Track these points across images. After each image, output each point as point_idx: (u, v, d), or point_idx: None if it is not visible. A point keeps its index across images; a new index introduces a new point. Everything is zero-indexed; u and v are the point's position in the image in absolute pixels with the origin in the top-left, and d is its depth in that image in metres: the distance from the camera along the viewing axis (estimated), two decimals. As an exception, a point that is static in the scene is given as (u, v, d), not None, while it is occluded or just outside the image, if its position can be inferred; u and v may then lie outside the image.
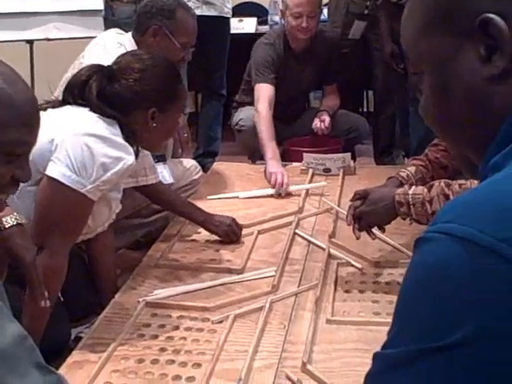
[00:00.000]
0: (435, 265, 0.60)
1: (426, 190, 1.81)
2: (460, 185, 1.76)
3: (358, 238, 1.98)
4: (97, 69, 1.83)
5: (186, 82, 3.24)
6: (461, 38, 0.65)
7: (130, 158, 1.71)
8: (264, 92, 3.09)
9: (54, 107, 1.81)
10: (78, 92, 1.81)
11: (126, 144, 1.73)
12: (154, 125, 1.82)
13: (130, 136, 1.77)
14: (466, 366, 0.56)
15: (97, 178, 1.65)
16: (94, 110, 1.77)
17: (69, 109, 1.80)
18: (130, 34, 2.40)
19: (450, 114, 0.69)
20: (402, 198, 1.82)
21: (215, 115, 3.74)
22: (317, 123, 3.16)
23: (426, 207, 1.77)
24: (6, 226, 1.45)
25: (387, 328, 1.88)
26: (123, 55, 1.93)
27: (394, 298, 2.01)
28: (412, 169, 2.08)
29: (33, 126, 1.11)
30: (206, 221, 2.24)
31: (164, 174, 2.43)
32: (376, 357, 0.65)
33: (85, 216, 1.73)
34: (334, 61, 3.34)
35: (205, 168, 3.02)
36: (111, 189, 1.78)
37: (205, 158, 3.68)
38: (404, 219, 1.87)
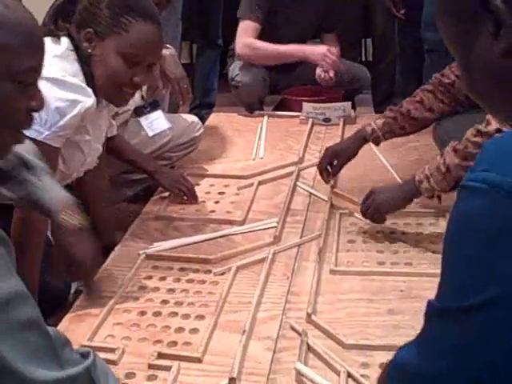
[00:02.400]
0: (473, 215, 0.61)
1: (438, 157, 1.80)
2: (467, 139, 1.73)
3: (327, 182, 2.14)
4: None
5: (180, 31, 3.15)
6: (472, 21, 0.69)
7: (87, 100, 1.62)
8: (250, 29, 3.05)
9: None
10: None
11: (83, 85, 1.64)
12: (89, 51, 1.68)
13: (86, 70, 1.69)
14: (502, 323, 0.60)
15: (53, 123, 1.58)
16: (55, 23, 1.69)
17: None
18: None
19: (482, 91, 0.74)
20: (420, 174, 1.80)
21: (211, 66, 3.66)
22: (320, 74, 3.08)
23: (440, 168, 1.74)
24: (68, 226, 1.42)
25: (392, 278, 1.86)
26: None
27: (398, 248, 2.01)
28: (380, 122, 2.06)
29: (42, 51, 1.06)
30: (156, 172, 2.19)
31: (162, 120, 2.37)
32: (427, 303, 0.76)
33: (51, 164, 1.63)
34: (333, 8, 3.24)
35: (202, 119, 2.95)
36: (76, 132, 1.71)
37: (201, 109, 3.61)
38: (431, 198, 1.81)
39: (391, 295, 1.63)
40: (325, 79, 3.05)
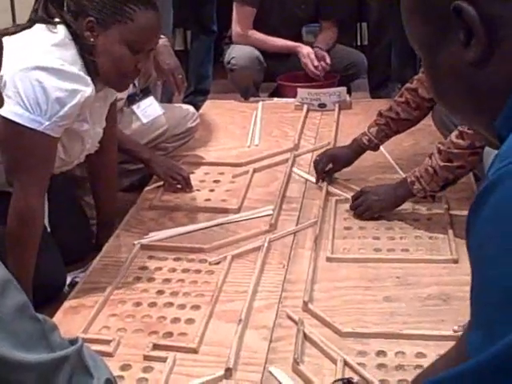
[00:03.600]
0: None
1: (427, 158, 1.83)
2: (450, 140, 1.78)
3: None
4: None
5: (171, 17, 3.12)
6: (443, 25, 0.67)
7: (86, 89, 1.61)
8: (246, 15, 3.12)
9: (11, 33, 1.69)
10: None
11: (82, 74, 1.62)
12: (92, 39, 1.66)
13: (85, 58, 1.66)
14: None
15: (53, 113, 1.56)
16: (49, 12, 1.66)
17: (21, 36, 1.67)
18: None
19: (447, 96, 0.71)
20: (412, 176, 1.83)
21: (206, 52, 3.62)
22: (317, 65, 3.06)
23: (428, 170, 1.79)
24: None
25: (388, 264, 1.85)
26: None
27: (395, 234, 1.99)
28: (374, 130, 2.09)
29: None
30: (151, 160, 2.18)
31: (155, 106, 2.35)
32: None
33: (49, 154, 1.64)
34: None
35: (196, 106, 2.93)
36: (75, 121, 1.69)
37: (196, 96, 3.59)
38: (425, 198, 1.85)
39: (388, 282, 1.62)
40: (321, 66, 3.04)
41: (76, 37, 1.66)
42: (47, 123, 1.57)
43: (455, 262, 1.66)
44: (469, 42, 0.64)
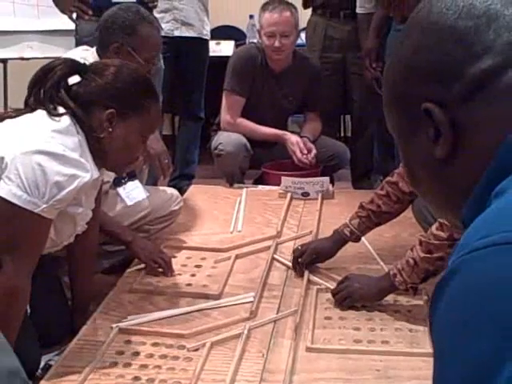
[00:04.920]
0: (497, 281, 0.53)
1: (408, 250, 1.85)
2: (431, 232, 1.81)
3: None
4: (66, 60, 1.77)
5: (161, 104, 3.19)
6: (414, 122, 0.69)
7: (85, 175, 1.64)
8: (235, 104, 3.23)
9: (12, 116, 1.73)
10: (41, 80, 1.72)
11: (82, 160, 1.66)
12: (110, 129, 1.71)
13: (91, 144, 1.71)
14: None
15: (50, 197, 1.59)
16: (53, 101, 1.69)
17: (23, 120, 1.71)
18: (94, 49, 2.36)
19: (421, 186, 0.74)
20: (394, 268, 1.86)
21: (193, 138, 3.70)
22: (306, 153, 3.13)
23: (409, 261, 1.81)
24: None
25: (368, 356, 1.83)
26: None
27: (376, 326, 1.98)
28: (355, 222, 2.12)
29: None
30: (133, 242, 2.18)
31: (139, 190, 2.37)
32: None
33: (42, 235, 1.66)
34: (317, 88, 3.33)
35: (181, 191, 2.97)
36: (70, 205, 1.71)
37: (181, 180, 3.63)
38: (406, 291, 1.86)
39: (368, 374, 1.60)
40: (301, 161, 3.11)
41: (82, 125, 1.70)
42: (44, 206, 1.59)
43: (435, 355, 1.65)
44: (437, 139, 0.67)
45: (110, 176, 2.32)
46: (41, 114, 1.70)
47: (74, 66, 1.76)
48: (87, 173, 1.65)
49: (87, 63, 1.83)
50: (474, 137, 0.66)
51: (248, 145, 3.16)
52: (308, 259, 2.14)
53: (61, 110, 1.70)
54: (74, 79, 1.77)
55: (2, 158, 1.59)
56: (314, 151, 3.13)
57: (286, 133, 3.24)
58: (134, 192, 2.40)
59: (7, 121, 1.70)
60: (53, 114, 1.69)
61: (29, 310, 1.77)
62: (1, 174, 1.59)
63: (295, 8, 3.24)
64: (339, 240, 2.15)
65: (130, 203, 2.37)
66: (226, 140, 3.15)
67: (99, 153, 1.74)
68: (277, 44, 3.12)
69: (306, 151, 3.11)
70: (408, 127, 0.71)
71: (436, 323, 0.59)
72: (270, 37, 3.13)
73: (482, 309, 0.54)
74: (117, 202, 2.38)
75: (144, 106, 1.76)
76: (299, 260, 2.15)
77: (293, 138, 3.16)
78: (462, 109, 0.67)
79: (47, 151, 1.60)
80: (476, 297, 0.55)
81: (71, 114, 1.70)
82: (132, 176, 2.43)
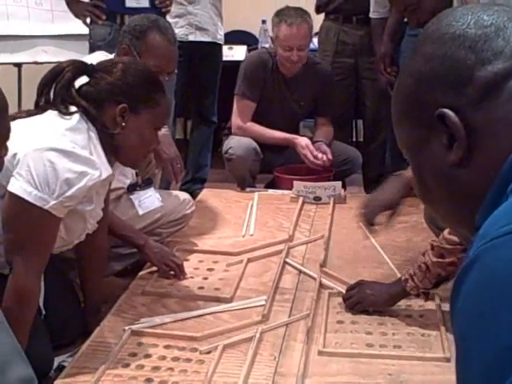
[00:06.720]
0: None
1: (420, 255, 1.84)
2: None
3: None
4: (74, 61, 1.79)
5: (173, 107, 3.21)
6: (427, 130, 0.71)
7: (95, 173, 1.66)
8: (246, 109, 3.25)
9: (23, 117, 1.75)
10: (50, 82, 1.75)
11: (92, 158, 1.67)
12: (123, 124, 1.73)
13: (104, 141, 1.72)
14: None
15: (60, 193, 1.60)
16: (64, 101, 1.71)
17: (35, 119, 1.73)
18: (113, 55, 2.38)
19: (431, 196, 0.75)
20: (406, 274, 1.85)
21: (205, 142, 3.71)
22: (317, 155, 3.14)
23: (421, 266, 1.79)
24: None
25: (380, 361, 1.82)
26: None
27: (388, 330, 1.98)
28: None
29: None
30: (145, 246, 2.18)
31: (153, 198, 2.38)
32: None
33: (51, 233, 1.67)
34: (328, 93, 3.34)
35: (193, 195, 2.98)
36: (80, 202, 1.73)
37: (193, 184, 3.64)
38: (417, 296, 1.85)
39: (379, 379, 1.60)
40: (323, 160, 3.10)
41: (95, 123, 1.72)
42: (53, 202, 1.60)
43: (447, 360, 1.65)
44: (451, 145, 0.68)
45: (124, 182, 2.34)
46: (52, 113, 1.72)
47: (82, 67, 1.78)
48: (96, 170, 1.66)
49: (94, 64, 1.84)
50: (488, 138, 0.67)
51: (258, 149, 3.17)
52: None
53: (72, 108, 1.72)
54: (80, 81, 1.79)
55: (15, 155, 1.61)
56: (329, 154, 3.12)
57: (296, 136, 3.25)
58: (147, 200, 2.41)
59: (18, 120, 1.72)
60: (64, 113, 1.71)
61: (43, 312, 1.79)
62: (13, 170, 1.61)
63: (309, 16, 3.24)
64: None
65: (141, 212, 2.38)
66: (236, 144, 3.16)
67: (113, 149, 1.76)
68: (295, 58, 3.14)
69: (316, 153, 3.11)
70: (420, 137, 0.72)
71: (455, 314, 0.60)
72: (287, 50, 3.14)
73: (500, 298, 0.54)
74: (129, 207, 2.39)
75: (154, 98, 1.78)
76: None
77: (302, 142, 3.16)
78: (475, 112, 0.68)
79: (59, 148, 1.61)
80: (494, 285, 0.55)
81: (83, 112, 1.72)
82: (148, 183, 2.44)
